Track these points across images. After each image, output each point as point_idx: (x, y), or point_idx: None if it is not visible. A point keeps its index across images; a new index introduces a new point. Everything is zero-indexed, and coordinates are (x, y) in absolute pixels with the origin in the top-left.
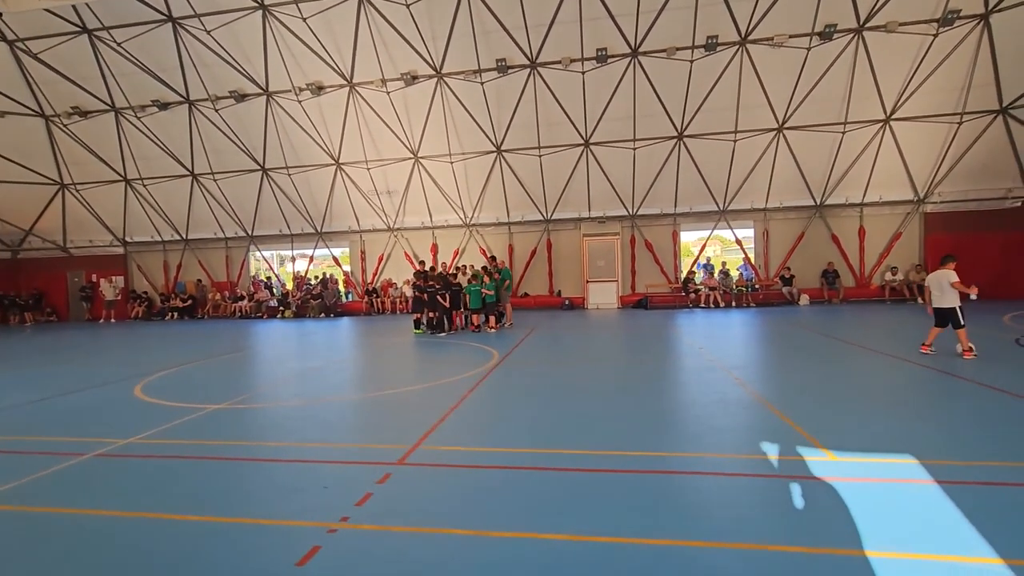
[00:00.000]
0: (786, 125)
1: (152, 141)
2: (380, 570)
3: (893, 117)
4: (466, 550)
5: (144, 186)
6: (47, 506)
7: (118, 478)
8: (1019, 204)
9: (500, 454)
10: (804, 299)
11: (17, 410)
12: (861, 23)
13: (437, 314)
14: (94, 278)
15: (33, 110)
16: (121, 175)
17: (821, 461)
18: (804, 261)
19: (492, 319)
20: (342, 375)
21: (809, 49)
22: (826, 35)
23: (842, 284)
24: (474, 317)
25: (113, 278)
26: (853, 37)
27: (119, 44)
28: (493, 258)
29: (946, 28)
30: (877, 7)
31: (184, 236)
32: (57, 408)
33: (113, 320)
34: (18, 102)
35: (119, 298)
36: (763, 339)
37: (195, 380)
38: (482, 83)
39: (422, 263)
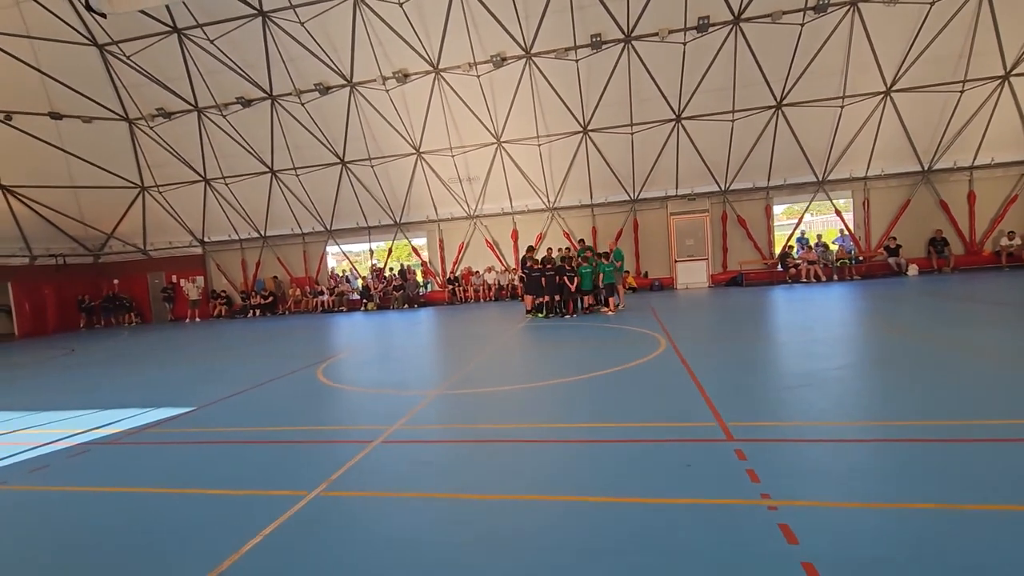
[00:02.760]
0: (895, 88)
1: (233, 139)
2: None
3: (1013, 72)
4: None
5: (225, 185)
6: (394, 491)
7: (431, 461)
8: None
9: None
10: (913, 269)
11: (235, 402)
12: None
13: (557, 298)
14: (174, 279)
15: (118, 114)
16: (201, 175)
17: None
18: (908, 230)
19: (611, 301)
20: (517, 360)
21: (932, 4)
22: None
23: (951, 252)
24: (586, 299)
25: (194, 278)
26: None
27: (212, 41)
28: (581, 241)
29: None
30: None
31: (262, 233)
32: (268, 398)
33: (198, 319)
34: (104, 106)
35: (200, 298)
36: (942, 306)
37: (373, 368)
38: (576, 60)
39: (531, 248)
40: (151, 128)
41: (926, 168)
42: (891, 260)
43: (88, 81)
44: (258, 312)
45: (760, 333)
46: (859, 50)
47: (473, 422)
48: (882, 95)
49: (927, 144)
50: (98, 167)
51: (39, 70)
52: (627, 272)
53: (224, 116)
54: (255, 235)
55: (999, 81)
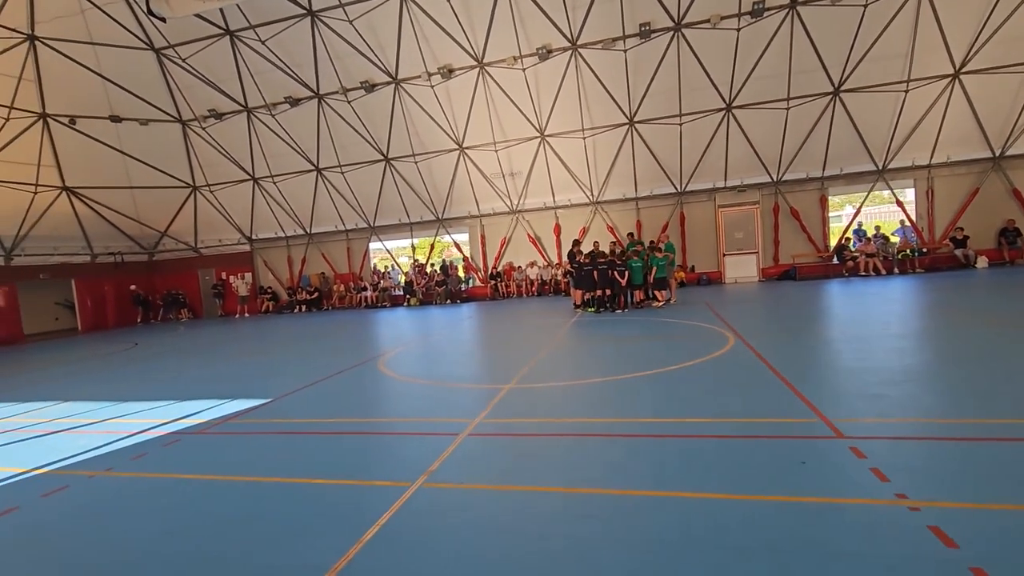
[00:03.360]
0: (964, 70)
1: (280, 138)
2: None
3: None
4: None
5: (274, 183)
6: (502, 484)
7: (535, 454)
8: None
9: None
10: (982, 261)
11: (309, 394)
12: None
13: (608, 291)
14: (224, 275)
15: (172, 116)
16: (249, 174)
17: None
18: (976, 220)
19: (661, 295)
20: (583, 354)
21: None
22: None
23: None
24: (637, 293)
25: (243, 274)
26: None
27: (263, 42)
28: (631, 235)
29: None
30: None
31: (307, 230)
32: (340, 390)
33: (247, 315)
34: (160, 109)
35: (249, 294)
36: None
37: (434, 362)
38: (625, 50)
39: (577, 242)
40: (203, 129)
41: (997, 154)
42: (958, 252)
43: (145, 84)
44: (303, 308)
45: (832, 327)
46: (926, 31)
47: (559, 415)
48: (950, 78)
49: (998, 129)
50: (153, 167)
51: (101, 75)
52: (679, 267)
53: (273, 115)
54: (300, 232)
55: None
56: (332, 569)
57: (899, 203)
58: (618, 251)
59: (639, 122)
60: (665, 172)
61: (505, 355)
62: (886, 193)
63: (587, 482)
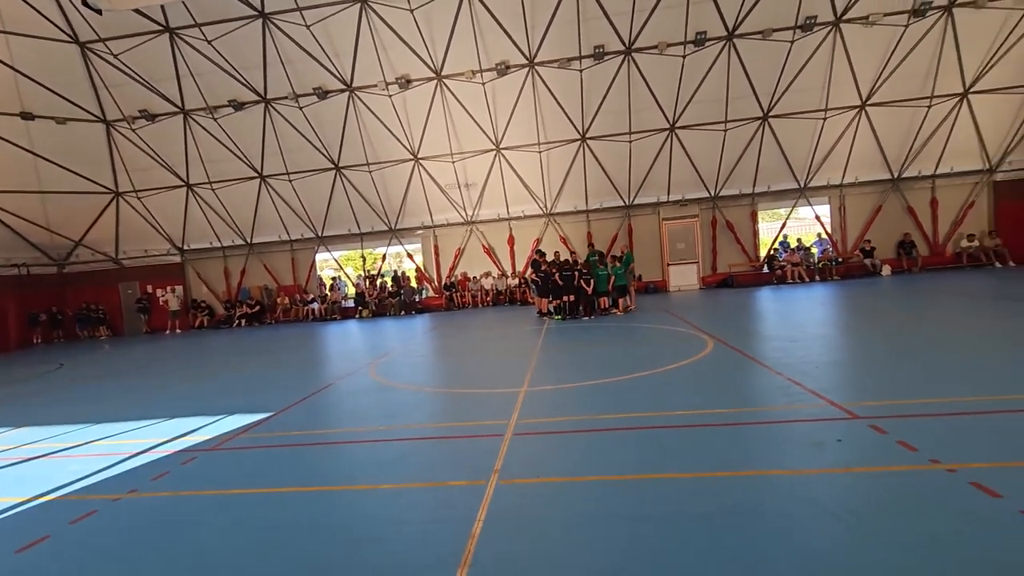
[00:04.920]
0: (870, 102)
1: (221, 143)
2: None
3: (971, 90)
4: None
5: (212, 190)
6: (578, 476)
7: (587, 447)
8: None
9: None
10: (886, 269)
11: (311, 406)
12: (952, 1)
13: (572, 298)
14: (149, 289)
15: (95, 115)
16: (183, 180)
17: None
18: (879, 233)
19: (620, 302)
20: (578, 358)
21: (906, 27)
22: (920, 12)
23: (919, 253)
24: (602, 300)
25: (173, 287)
26: (942, 14)
27: (209, 42)
28: (591, 245)
29: (1019, 6)
30: None
31: (248, 240)
32: (347, 400)
33: (179, 331)
34: (81, 107)
35: (180, 308)
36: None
37: (424, 372)
38: (580, 70)
39: (540, 252)
40: (132, 130)
41: (895, 176)
42: (867, 261)
43: (65, 80)
44: (244, 322)
45: (791, 327)
46: (840, 67)
47: (589, 412)
48: (858, 108)
49: (896, 154)
50: (69, 170)
51: (12, 67)
52: (639, 276)
53: (215, 119)
54: (240, 242)
55: (959, 98)
56: (463, 561)
57: (817, 218)
58: (580, 260)
59: (591, 138)
60: (614, 186)
61: (498, 362)
62: (805, 209)
63: (651, 469)
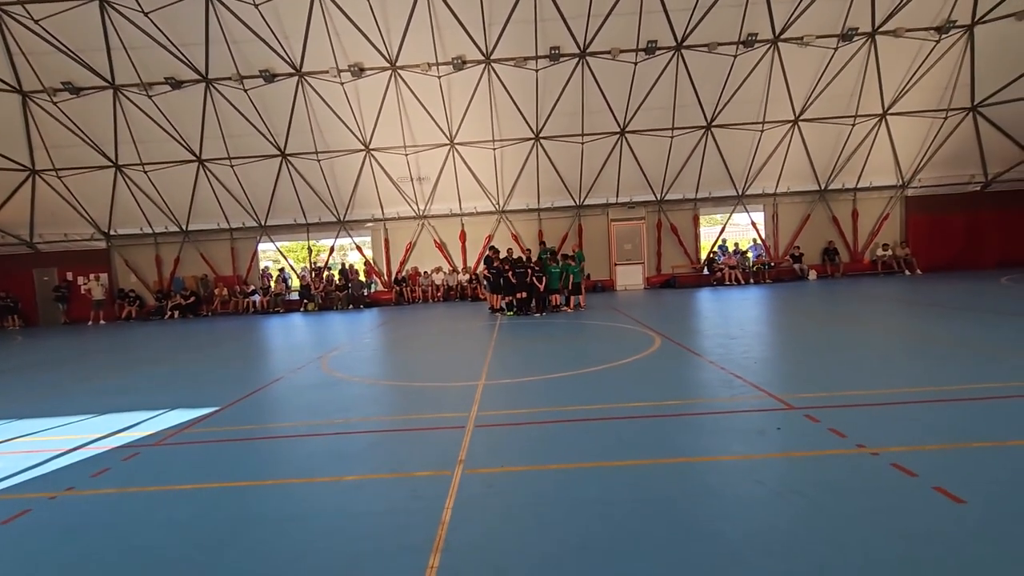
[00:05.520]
0: (802, 117)
1: (155, 123)
2: None
3: (889, 112)
4: None
5: (144, 172)
6: (526, 465)
7: (548, 439)
8: (978, 188)
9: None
10: (812, 274)
11: (258, 401)
12: (875, 27)
13: (523, 295)
14: (69, 276)
15: (9, 84)
16: (111, 160)
17: None
18: (807, 240)
19: (572, 300)
20: (533, 353)
21: (836, 49)
22: (847, 36)
23: (841, 260)
24: (554, 297)
25: (97, 275)
26: (866, 41)
27: (146, 14)
28: (543, 244)
29: (944, 35)
30: (891, 12)
31: (183, 227)
32: (300, 394)
33: (103, 322)
34: None
35: (105, 297)
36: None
37: (379, 365)
38: (536, 70)
39: (493, 249)
40: (54, 103)
41: (822, 188)
42: (796, 266)
43: None
44: (177, 314)
45: (732, 324)
46: (776, 83)
47: (547, 405)
48: (791, 123)
49: (824, 167)
50: None
51: None
52: (589, 275)
53: (149, 96)
54: (174, 229)
55: (878, 118)
56: (435, 547)
57: (753, 224)
58: (531, 258)
59: (544, 138)
60: (566, 186)
61: (453, 356)
62: (743, 216)
63: (611, 457)
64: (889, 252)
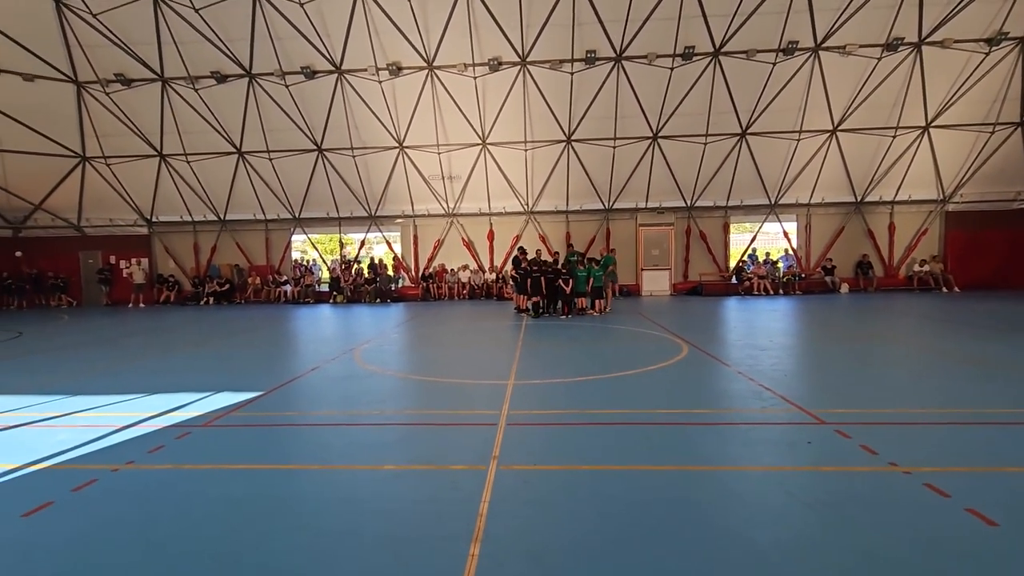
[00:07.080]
0: (840, 128)
1: (200, 115)
2: None
3: (933, 124)
4: None
5: (187, 162)
6: (557, 465)
7: (575, 439)
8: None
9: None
10: (844, 287)
11: (299, 388)
12: (922, 38)
13: (539, 299)
14: (112, 260)
15: (66, 75)
16: (157, 150)
17: None
18: (840, 253)
19: (598, 303)
20: (561, 355)
21: (879, 59)
22: (892, 46)
23: (874, 274)
24: (580, 300)
25: (138, 260)
26: (912, 51)
27: (196, 10)
28: (570, 246)
29: (995, 48)
30: (939, 23)
31: (221, 216)
32: (336, 384)
33: (143, 305)
34: (52, 65)
35: (145, 281)
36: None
37: (409, 360)
38: (571, 73)
39: (521, 249)
40: (106, 94)
41: (858, 200)
42: (828, 279)
43: (36, 35)
44: (212, 300)
45: (761, 335)
46: (816, 92)
47: (576, 407)
48: (830, 133)
49: (861, 179)
50: (34, 130)
51: None
52: (616, 280)
53: (195, 89)
54: (212, 218)
55: (921, 131)
56: (475, 537)
57: (785, 234)
58: (560, 260)
59: (576, 141)
60: (595, 189)
61: (482, 354)
62: (774, 225)
63: (642, 461)
64: (927, 268)
